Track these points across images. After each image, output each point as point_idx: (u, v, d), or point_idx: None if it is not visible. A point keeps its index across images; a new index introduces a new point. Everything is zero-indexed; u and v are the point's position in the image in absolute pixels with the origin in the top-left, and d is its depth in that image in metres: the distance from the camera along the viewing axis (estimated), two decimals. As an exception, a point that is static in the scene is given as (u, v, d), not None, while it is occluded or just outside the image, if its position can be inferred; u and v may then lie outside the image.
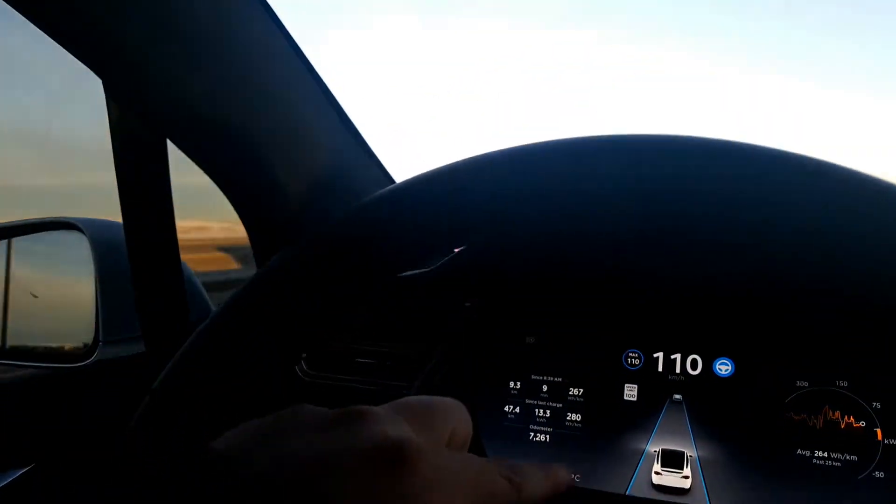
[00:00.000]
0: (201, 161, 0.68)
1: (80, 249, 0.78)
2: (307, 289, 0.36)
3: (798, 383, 0.56)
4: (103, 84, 0.61)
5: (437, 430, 0.23)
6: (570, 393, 0.62)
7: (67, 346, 0.79)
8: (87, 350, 0.78)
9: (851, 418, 0.55)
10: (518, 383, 0.64)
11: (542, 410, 0.62)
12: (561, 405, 0.62)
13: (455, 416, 0.25)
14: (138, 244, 0.70)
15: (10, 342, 0.83)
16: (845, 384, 0.55)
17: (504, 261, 0.64)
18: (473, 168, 0.34)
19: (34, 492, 0.60)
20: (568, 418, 0.61)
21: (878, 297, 0.54)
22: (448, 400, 0.25)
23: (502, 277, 0.65)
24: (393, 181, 0.78)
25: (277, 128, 0.66)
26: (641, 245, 0.58)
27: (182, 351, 0.38)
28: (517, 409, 0.63)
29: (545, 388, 0.63)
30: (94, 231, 0.78)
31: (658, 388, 0.60)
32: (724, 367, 0.58)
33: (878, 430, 0.54)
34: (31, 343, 0.82)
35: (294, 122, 0.68)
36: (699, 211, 0.53)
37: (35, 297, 0.84)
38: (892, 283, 0.51)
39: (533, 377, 0.63)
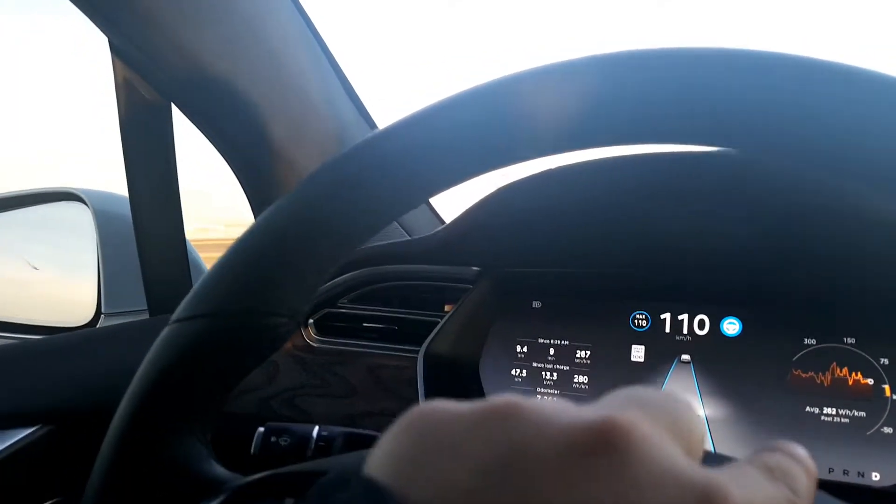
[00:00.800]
0: (205, 126, 0.68)
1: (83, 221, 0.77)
2: (309, 230, 0.34)
3: (805, 341, 0.56)
4: (109, 43, 0.61)
5: (697, 448, 0.17)
6: (577, 355, 0.62)
7: (69, 318, 0.79)
8: (88, 323, 0.78)
9: (859, 375, 0.55)
10: (525, 347, 0.63)
11: (549, 373, 0.62)
12: (568, 368, 0.62)
13: (700, 424, 0.18)
14: (143, 213, 0.70)
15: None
16: (853, 341, 0.55)
17: (510, 225, 0.63)
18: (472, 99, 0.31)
19: (43, 452, 0.59)
20: (575, 381, 0.61)
21: (885, 254, 0.54)
22: (682, 399, 0.19)
23: (509, 242, 0.65)
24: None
25: (284, 93, 0.66)
26: (649, 204, 0.58)
27: (203, 281, 0.37)
28: (524, 373, 0.63)
29: (552, 351, 0.63)
30: (97, 203, 0.78)
31: (665, 348, 0.60)
32: (731, 327, 0.58)
33: (887, 387, 0.54)
34: (31, 315, 0.82)
35: (301, 88, 0.68)
36: (711, 164, 0.53)
37: (36, 269, 0.83)
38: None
39: (540, 340, 0.63)
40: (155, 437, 0.34)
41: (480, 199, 0.61)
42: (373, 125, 0.79)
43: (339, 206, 0.34)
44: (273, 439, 0.43)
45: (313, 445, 0.43)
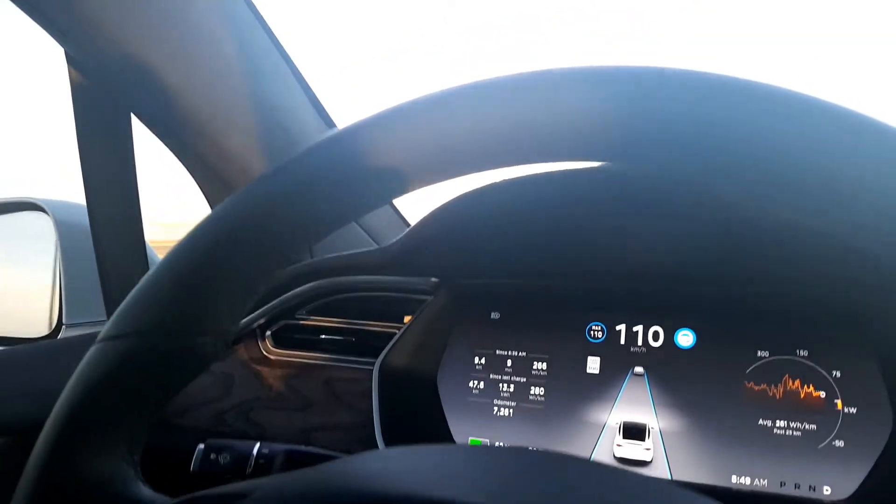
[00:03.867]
0: (163, 135, 0.67)
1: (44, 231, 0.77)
2: (256, 234, 0.34)
3: (759, 353, 0.56)
4: (65, 54, 0.60)
5: None
6: (534, 367, 0.62)
7: (30, 329, 0.78)
8: (50, 334, 0.77)
9: (811, 387, 0.55)
10: (483, 358, 0.63)
11: (506, 385, 0.62)
12: (525, 379, 0.61)
13: None
14: (102, 223, 0.69)
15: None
16: (805, 353, 0.55)
17: (467, 235, 0.63)
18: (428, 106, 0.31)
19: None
20: (531, 392, 0.61)
21: (839, 268, 0.54)
22: None
23: (467, 253, 0.65)
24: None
25: (242, 101, 0.66)
26: (606, 216, 0.58)
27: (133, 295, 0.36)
28: (481, 385, 0.63)
29: (509, 362, 0.62)
30: (58, 213, 0.77)
31: (620, 360, 0.59)
32: (685, 338, 0.58)
33: (839, 401, 0.54)
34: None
35: (259, 95, 0.68)
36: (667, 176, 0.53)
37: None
38: (854, 252, 0.51)
39: (498, 352, 0.63)
40: (77, 459, 0.33)
41: (435, 210, 0.61)
42: (332, 126, 0.79)
43: (269, 223, 0.34)
44: (213, 456, 0.43)
45: (253, 463, 0.43)
